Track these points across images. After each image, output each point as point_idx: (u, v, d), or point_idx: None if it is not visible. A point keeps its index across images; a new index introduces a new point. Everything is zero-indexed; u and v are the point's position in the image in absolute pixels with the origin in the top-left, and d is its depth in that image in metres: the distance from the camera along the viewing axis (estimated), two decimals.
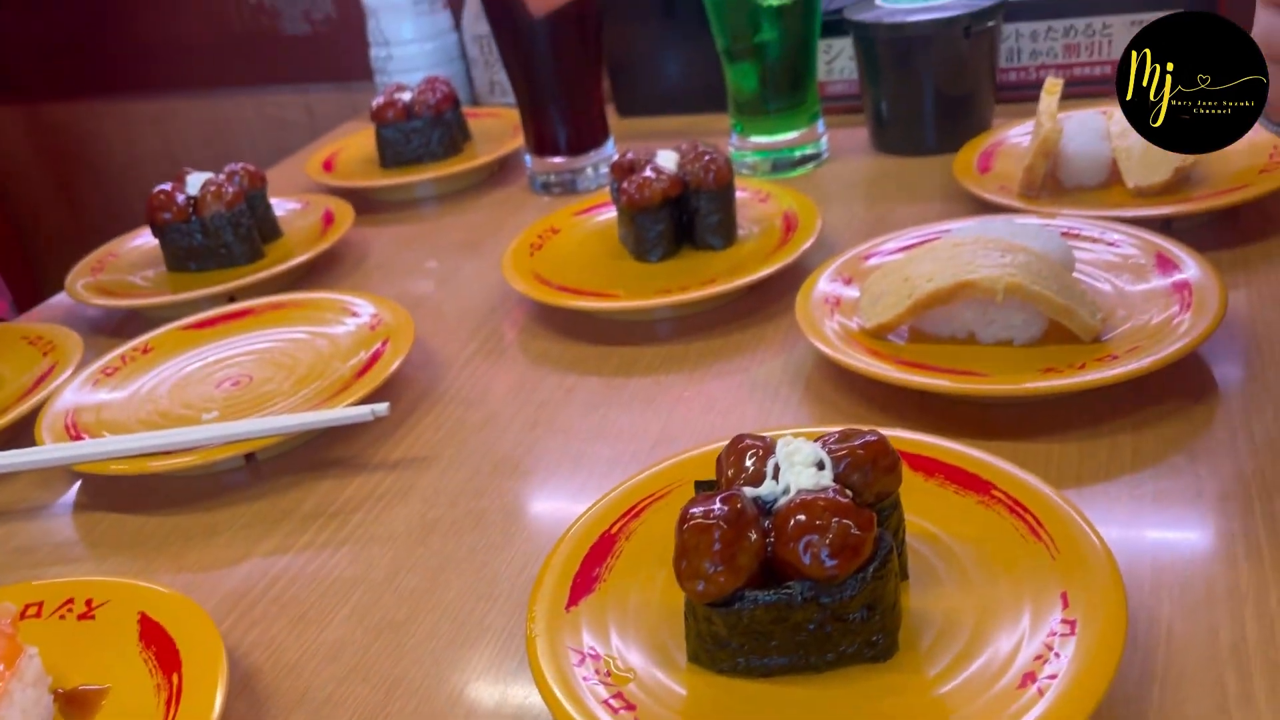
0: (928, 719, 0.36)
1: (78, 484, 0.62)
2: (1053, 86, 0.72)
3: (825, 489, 0.38)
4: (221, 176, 0.82)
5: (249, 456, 0.60)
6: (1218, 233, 0.66)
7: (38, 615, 0.47)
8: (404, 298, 0.73)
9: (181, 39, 1.54)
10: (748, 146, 0.88)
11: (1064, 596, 0.39)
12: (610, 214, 0.78)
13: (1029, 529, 0.42)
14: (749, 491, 0.38)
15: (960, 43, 0.82)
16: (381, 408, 0.58)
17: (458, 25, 1.20)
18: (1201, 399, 0.52)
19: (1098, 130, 0.72)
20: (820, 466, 0.39)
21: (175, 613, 0.45)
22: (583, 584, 0.43)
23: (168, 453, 0.58)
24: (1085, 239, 0.63)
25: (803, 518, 0.36)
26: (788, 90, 0.85)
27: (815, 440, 0.40)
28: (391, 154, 0.97)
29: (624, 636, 0.41)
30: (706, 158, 0.71)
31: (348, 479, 0.58)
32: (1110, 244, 0.62)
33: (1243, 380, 0.53)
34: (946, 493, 0.45)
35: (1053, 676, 0.35)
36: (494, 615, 0.47)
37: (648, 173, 0.71)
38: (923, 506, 0.44)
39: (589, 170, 0.91)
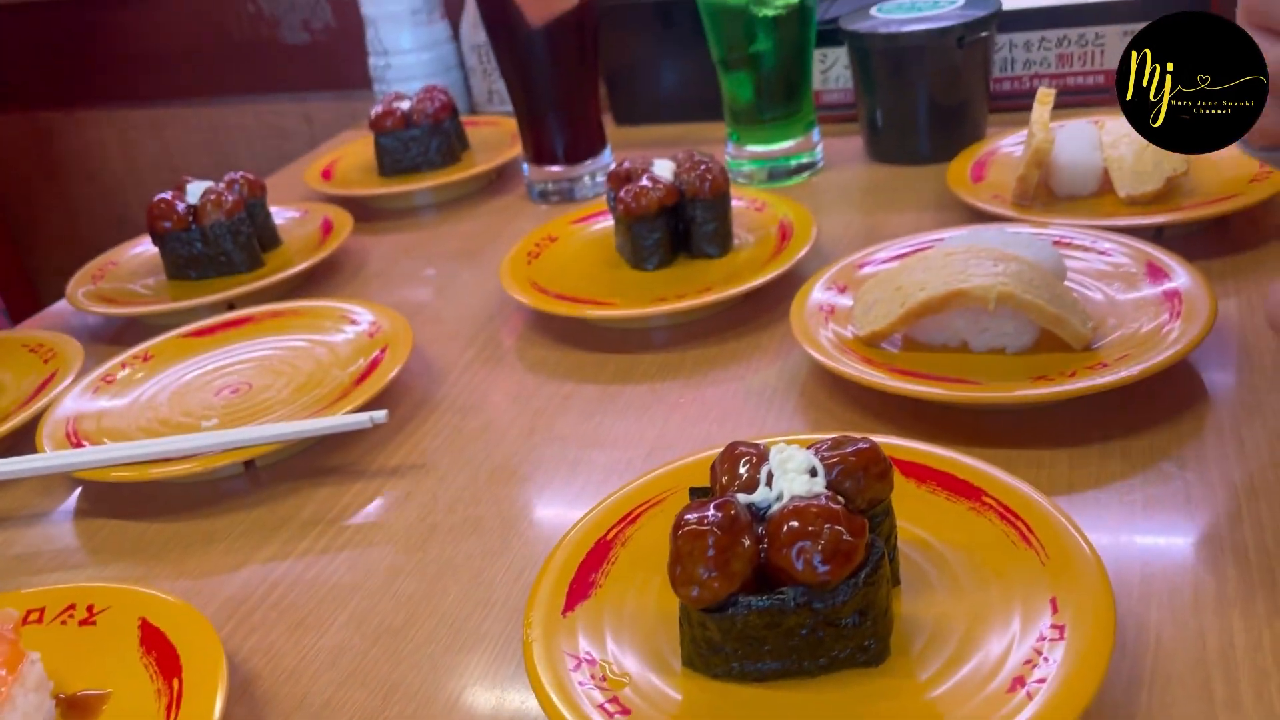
0: None
1: (78, 491, 0.62)
2: (1045, 97, 0.73)
3: (818, 496, 0.38)
4: (221, 185, 0.83)
5: (248, 463, 0.60)
6: (1208, 241, 0.67)
7: (39, 621, 0.48)
8: (402, 305, 0.74)
9: (181, 47, 1.55)
10: (743, 155, 0.89)
11: (1053, 602, 0.39)
12: (607, 222, 0.78)
13: (1019, 535, 0.43)
14: (743, 498, 0.39)
15: (954, 53, 0.83)
16: (380, 415, 0.58)
17: (456, 35, 1.21)
18: (1191, 407, 0.53)
19: (1090, 140, 0.72)
20: (813, 473, 0.39)
21: (175, 618, 0.46)
22: (579, 590, 0.44)
23: (168, 460, 0.58)
24: (1077, 248, 0.64)
25: (795, 524, 0.37)
26: (783, 99, 0.86)
27: (808, 447, 0.40)
28: (390, 162, 0.98)
29: (620, 641, 0.41)
30: (702, 167, 0.72)
31: (346, 486, 0.58)
32: (1101, 253, 0.63)
33: (1232, 388, 0.54)
34: (938, 499, 0.46)
35: (1041, 681, 0.36)
36: (491, 621, 0.47)
37: (644, 182, 0.72)
38: (915, 513, 0.45)
39: (586, 179, 0.92)
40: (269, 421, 0.62)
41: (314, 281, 0.84)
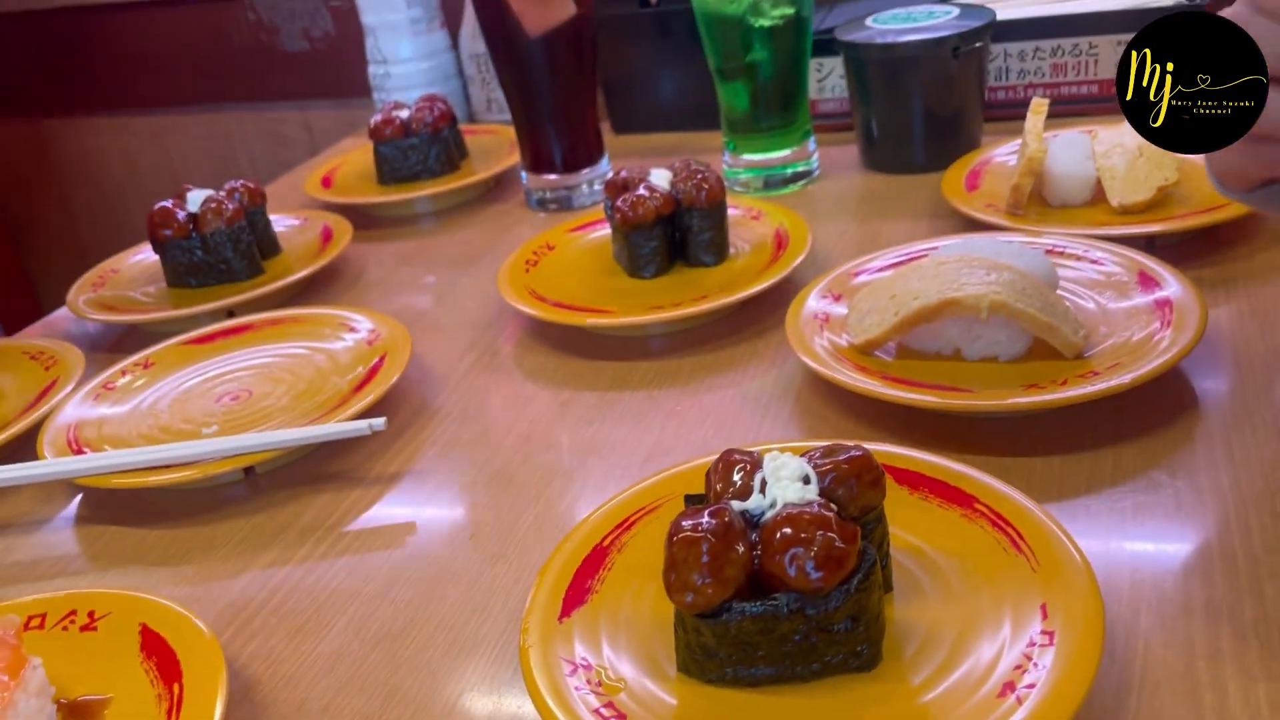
0: None
1: (79, 497, 0.63)
2: (1039, 106, 0.74)
3: (810, 503, 0.39)
4: (222, 193, 0.83)
5: (248, 470, 0.61)
6: (1200, 250, 0.68)
7: (41, 626, 0.48)
8: (401, 313, 0.74)
9: (182, 55, 1.55)
10: (740, 164, 0.89)
11: (1043, 608, 0.40)
12: (605, 231, 0.79)
13: (1010, 542, 0.43)
14: (737, 505, 0.39)
15: (949, 63, 0.83)
16: (379, 422, 0.59)
17: (455, 44, 1.22)
18: (1182, 415, 0.53)
19: (1083, 150, 0.73)
20: (806, 481, 0.40)
21: (176, 624, 0.46)
22: (575, 596, 0.44)
23: (168, 467, 0.59)
24: (1069, 256, 0.64)
25: (788, 531, 0.37)
26: (779, 109, 0.86)
27: (801, 455, 0.41)
28: (389, 170, 0.99)
29: (615, 647, 0.42)
30: (699, 176, 0.72)
31: (345, 492, 0.59)
32: (1094, 262, 0.63)
33: (1222, 396, 0.55)
34: (931, 506, 0.46)
35: (1031, 686, 0.36)
36: (488, 626, 0.47)
37: (641, 191, 0.72)
38: (907, 520, 0.45)
39: (584, 187, 0.92)
40: (269, 428, 0.63)
41: (314, 289, 0.85)
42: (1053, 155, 0.72)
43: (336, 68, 1.46)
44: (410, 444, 0.62)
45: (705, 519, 0.38)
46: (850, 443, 0.42)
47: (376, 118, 0.99)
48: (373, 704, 0.44)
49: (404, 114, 0.99)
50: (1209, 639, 0.41)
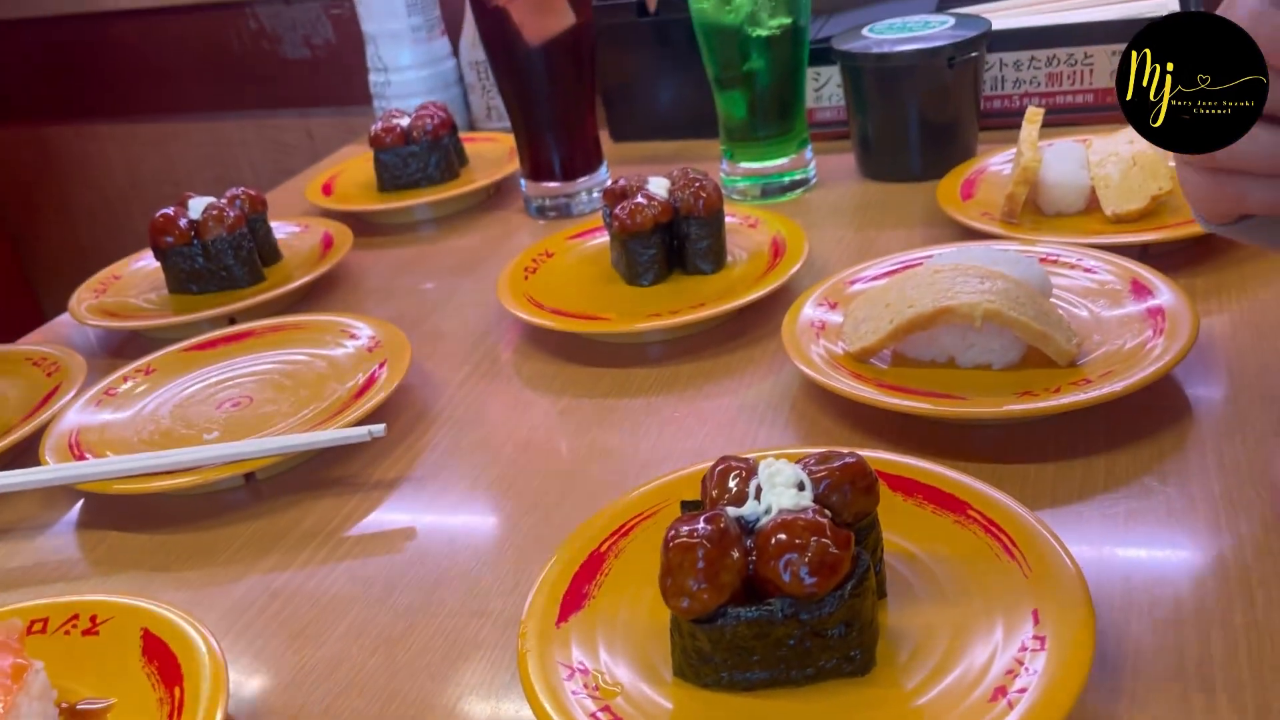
0: None
1: (81, 503, 0.63)
2: (1033, 116, 0.74)
3: (805, 509, 0.39)
4: (223, 201, 0.84)
5: (249, 476, 0.61)
6: (1192, 259, 0.68)
7: (43, 631, 0.48)
8: (401, 320, 0.75)
9: (184, 62, 1.56)
10: (737, 172, 0.90)
11: (1035, 613, 0.40)
12: (603, 238, 0.79)
13: (1003, 548, 0.43)
14: (732, 511, 0.40)
15: (944, 72, 0.84)
16: (378, 428, 0.59)
17: (455, 52, 1.22)
18: (1174, 422, 0.54)
19: (1077, 159, 0.74)
20: (800, 487, 0.40)
21: (177, 629, 0.46)
22: (572, 601, 0.44)
23: (169, 472, 0.59)
24: (1063, 265, 0.65)
25: (783, 537, 0.38)
26: (777, 117, 0.87)
27: (796, 462, 0.41)
28: (389, 178, 0.99)
29: (612, 652, 0.42)
30: (697, 184, 0.73)
31: (345, 498, 0.59)
32: (1087, 270, 0.64)
33: (1214, 404, 0.55)
34: (924, 512, 0.47)
35: (1023, 690, 0.37)
36: (487, 631, 0.48)
37: (639, 199, 0.73)
38: (901, 526, 0.46)
39: (583, 195, 0.93)
40: (269, 434, 0.63)
41: (314, 296, 0.85)
42: (1047, 164, 0.73)
43: (337, 75, 1.47)
44: (410, 450, 0.63)
45: (701, 525, 0.38)
46: (844, 449, 0.42)
47: (377, 125, 1.00)
48: (372, 708, 0.45)
49: (404, 122, 1.00)
50: (1199, 645, 0.41)
